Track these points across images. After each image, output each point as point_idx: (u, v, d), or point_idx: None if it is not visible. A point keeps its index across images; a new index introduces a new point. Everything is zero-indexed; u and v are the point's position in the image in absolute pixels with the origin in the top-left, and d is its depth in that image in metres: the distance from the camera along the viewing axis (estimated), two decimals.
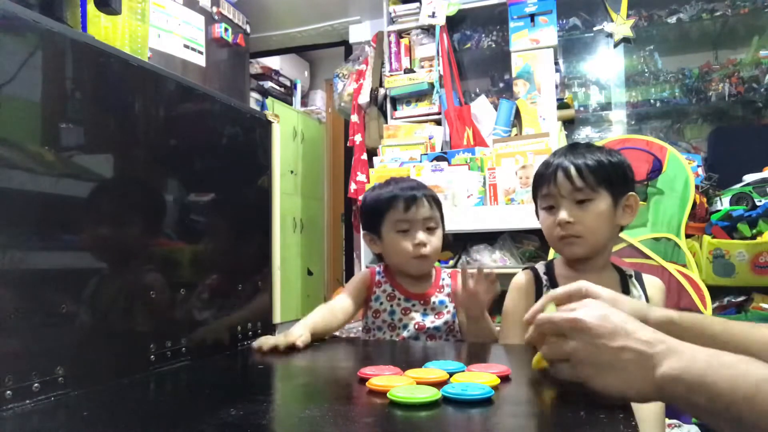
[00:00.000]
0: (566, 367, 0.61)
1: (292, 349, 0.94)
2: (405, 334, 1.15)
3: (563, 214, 0.98)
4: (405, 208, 1.14)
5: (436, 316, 1.16)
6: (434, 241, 1.16)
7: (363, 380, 0.66)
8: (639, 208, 1.03)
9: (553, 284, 1.04)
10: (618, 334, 0.57)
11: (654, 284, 1.04)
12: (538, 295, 1.05)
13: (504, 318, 1.10)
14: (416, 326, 1.15)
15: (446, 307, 1.17)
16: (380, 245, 1.19)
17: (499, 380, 0.64)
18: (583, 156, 0.99)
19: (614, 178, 0.98)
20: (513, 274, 1.12)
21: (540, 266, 1.08)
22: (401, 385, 0.61)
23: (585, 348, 0.58)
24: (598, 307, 0.61)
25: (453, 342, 1.15)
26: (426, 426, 0.53)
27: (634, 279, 1.03)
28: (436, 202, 1.18)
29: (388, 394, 0.58)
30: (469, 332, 1.12)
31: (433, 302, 1.17)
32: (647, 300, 1.01)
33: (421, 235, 1.14)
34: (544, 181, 1.02)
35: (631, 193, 1.01)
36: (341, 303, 1.17)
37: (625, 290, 1.01)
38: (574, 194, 0.98)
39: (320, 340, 1.04)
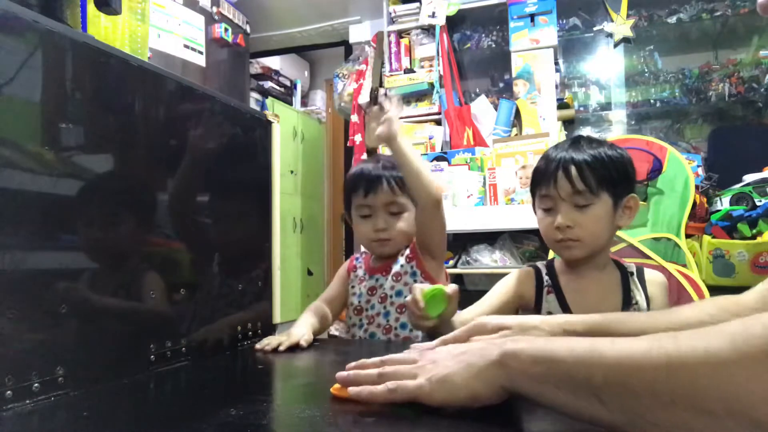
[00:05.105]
0: (409, 385, 0.55)
1: (295, 348, 0.95)
2: (371, 312, 1.15)
3: (562, 219, 0.96)
4: (365, 193, 1.13)
5: (395, 280, 1.15)
6: (397, 225, 1.14)
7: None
8: (639, 209, 1.02)
9: (555, 283, 1.04)
10: (458, 347, 0.58)
11: (655, 281, 1.03)
12: (538, 290, 1.04)
13: (492, 289, 1.08)
14: (379, 299, 1.15)
15: (403, 267, 1.16)
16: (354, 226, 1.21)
17: None
18: (584, 152, 0.96)
19: (616, 177, 0.96)
20: None
21: (541, 266, 1.08)
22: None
23: (428, 360, 0.57)
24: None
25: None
26: (426, 425, 0.53)
27: (635, 277, 1.03)
28: (403, 185, 1.13)
29: None
30: (401, 168, 1.07)
31: (394, 268, 1.16)
32: (647, 298, 1.01)
33: (381, 221, 1.13)
34: (543, 181, 1.00)
35: (632, 194, 0.99)
36: (328, 295, 1.21)
37: (626, 288, 1.01)
38: (574, 198, 0.95)
39: (320, 338, 1.05)
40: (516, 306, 1.07)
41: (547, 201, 0.99)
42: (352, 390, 0.57)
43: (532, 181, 1.05)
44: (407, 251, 1.17)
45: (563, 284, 1.03)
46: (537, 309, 1.04)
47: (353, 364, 0.62)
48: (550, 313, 1.02)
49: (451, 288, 0.90)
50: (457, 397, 0.52)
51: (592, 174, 0.95)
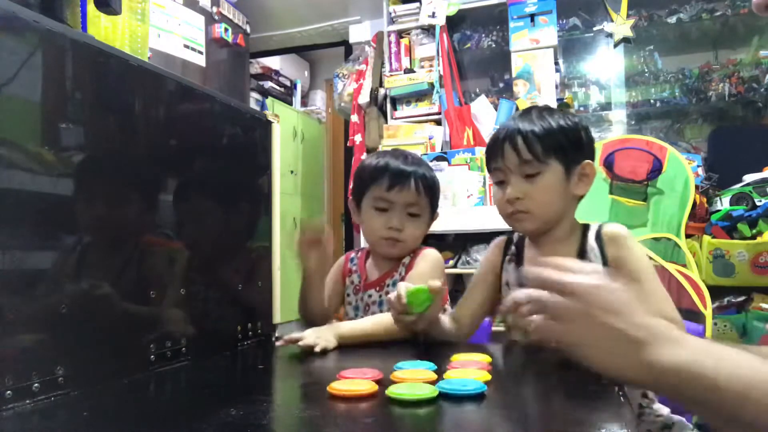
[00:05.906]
0: (552, 325, 0.55)
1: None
2: None
3: (511, 191, 0.93)
4: (388, 187, 1.08)
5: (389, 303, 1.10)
6: (412, 229, 1.09)
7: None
8: (596, 174, 0.97)
9: (519, 255, 1.01)
10: (612, 310, 0.53)
11: (613, 238, 0.96)
12: (503, 258, 1.03)
13: (474, 276, 1.09)
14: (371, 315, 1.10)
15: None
16: (360, 217, 1.15)
17: (490, 376, 0.64)
18: (532, 123, 0.93)
19: (566, 144, 0.93)
20: None
21: (516, 236, 1.05)
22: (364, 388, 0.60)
23: (576, 313, 0.54)
24: (600, 277, 0.56)
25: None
26: (425, 424, 0.53)
27: (592, 233, 0.97)
28: (428, 188, 1.10)
29: (386, 392, 0.58)
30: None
31: (388, 284, 1.12)
32: (604, 258, 0.94)
33: (397, 221, 1.08)
34: (493, 154, 0.97)
35: (586, 161, 0.95)
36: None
37: (582, 251, 0.96)
38: (522, 168, 0.93)
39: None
40: (499, 285, 1.04)
41: (498, 174, 0.97)
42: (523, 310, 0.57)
43: (485, 157, 1.02)
44: (404, 270, 1.12)
45: (526, 256, 1.01)
46: (499, 278, 1.02)
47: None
48: (507, 283, 1.01)
49: (435, 284, 0.86)
50: (589, 365, 0.53)
51: (538, 142, 0.92)
